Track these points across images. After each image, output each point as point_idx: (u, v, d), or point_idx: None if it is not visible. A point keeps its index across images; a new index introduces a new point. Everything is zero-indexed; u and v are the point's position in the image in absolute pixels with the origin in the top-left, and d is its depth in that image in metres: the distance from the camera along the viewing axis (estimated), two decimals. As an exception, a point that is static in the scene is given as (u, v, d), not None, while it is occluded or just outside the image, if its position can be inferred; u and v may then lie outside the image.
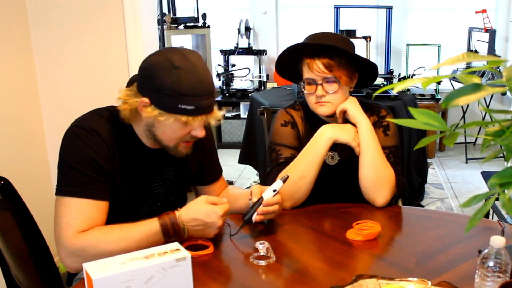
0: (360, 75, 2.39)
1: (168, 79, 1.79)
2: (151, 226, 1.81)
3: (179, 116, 1.82)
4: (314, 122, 2.41)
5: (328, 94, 2.28)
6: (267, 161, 2.44)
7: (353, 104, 2.32)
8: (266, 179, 2.35)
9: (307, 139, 2.33)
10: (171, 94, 1.79)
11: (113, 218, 1.90)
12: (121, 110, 1.92)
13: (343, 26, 6.83)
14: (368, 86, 2.44)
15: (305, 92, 2.33)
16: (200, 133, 1.91)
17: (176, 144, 1.94)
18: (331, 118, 2.38)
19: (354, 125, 2.31)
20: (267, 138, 2.60)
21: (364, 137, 2.28)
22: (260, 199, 2.00)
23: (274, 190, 2.02)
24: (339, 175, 2.40)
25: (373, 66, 2.37)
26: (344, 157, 2.39)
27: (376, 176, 2.26)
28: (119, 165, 1.93)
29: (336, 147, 2.38)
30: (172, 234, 1.81)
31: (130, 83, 1.96)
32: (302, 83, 2.34)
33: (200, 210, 1.84)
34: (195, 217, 1.83)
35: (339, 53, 2.27)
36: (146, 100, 1.83)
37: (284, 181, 2.04)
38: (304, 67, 2.32)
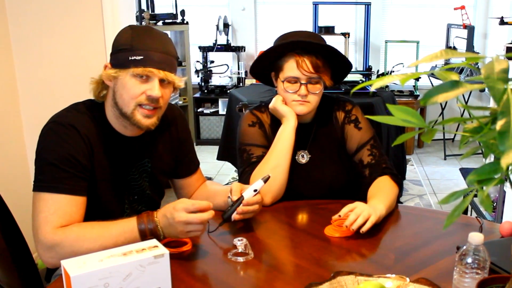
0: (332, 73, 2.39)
1: (123, 37, 1.93)
2: (130, 227, 1.79)
3: (131, 70, 1.86)
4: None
5: (310, 94, 2.29)
6: (238, 162, 2.43)
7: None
8: (239, 180, 2.34)
9: (274, 138, 2.35)
10: (123, 49, 1.89)
11: (95, 212, 1.91)
12: (92, 88, 1.99)
13: (321, 23, 6.85)
14: (337, 84, 2.47)
15: (287, 90, 2.32)
16: (155, 92, 1.89)
17: (133, 109, 1.90)
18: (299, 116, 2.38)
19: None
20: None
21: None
22: (241, 198, 1.98)
23: (255, 190, 2.00)
24: (311, 173, 2.40)
25: (348, 66, 2.41)
26: (315, 156, 2.41)
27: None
28: (96, 159, 1.92)
29: (306, 145, 2.39)
30: (150, 236, 1.78)
31: None
32: (282, 81, 2.33)
33: (175, 224, 1.77)
34: (171, 225, 1.79)
35: (328, 53, 2.28)
36: (107, 63, 1.94)
37: (265, 181, 2.02)
38: (288, 65, 2.29)
